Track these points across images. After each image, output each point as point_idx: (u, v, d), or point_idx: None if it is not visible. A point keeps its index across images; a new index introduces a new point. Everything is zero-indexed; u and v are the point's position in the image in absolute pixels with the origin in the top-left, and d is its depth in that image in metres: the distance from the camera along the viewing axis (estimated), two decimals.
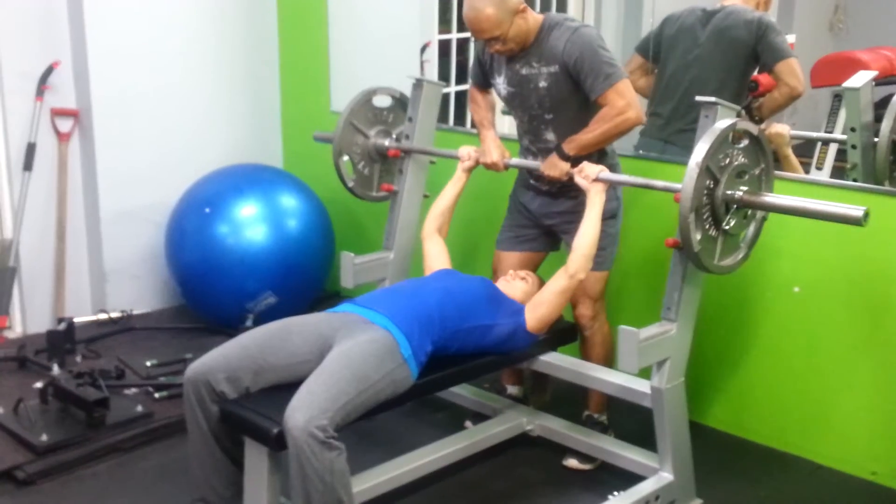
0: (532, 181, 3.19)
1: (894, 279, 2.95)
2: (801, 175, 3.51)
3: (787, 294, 3.17)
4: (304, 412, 2.27)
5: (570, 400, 3.35)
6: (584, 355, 3.21)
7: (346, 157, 3.53)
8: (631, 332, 2.57)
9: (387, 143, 3.56)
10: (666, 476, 2.84)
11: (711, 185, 2.48)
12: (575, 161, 2.92)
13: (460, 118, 5.06)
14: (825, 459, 3.18)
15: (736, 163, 2.51)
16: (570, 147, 2.92)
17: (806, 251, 3.12)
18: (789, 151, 3.55)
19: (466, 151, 3.23)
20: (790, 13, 6.35)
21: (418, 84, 3.50)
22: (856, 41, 6.49)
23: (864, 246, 2.99)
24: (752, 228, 2.67)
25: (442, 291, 2.80)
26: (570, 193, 3.08)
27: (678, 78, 3.59)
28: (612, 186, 2.97)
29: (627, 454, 3.00)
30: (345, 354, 2.48)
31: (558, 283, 2.85)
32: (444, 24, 4.90)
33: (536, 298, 2.89)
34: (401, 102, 3.62)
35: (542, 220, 3.21)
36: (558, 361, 3.05)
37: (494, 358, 2.87)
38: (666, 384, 2.72)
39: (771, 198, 2.55)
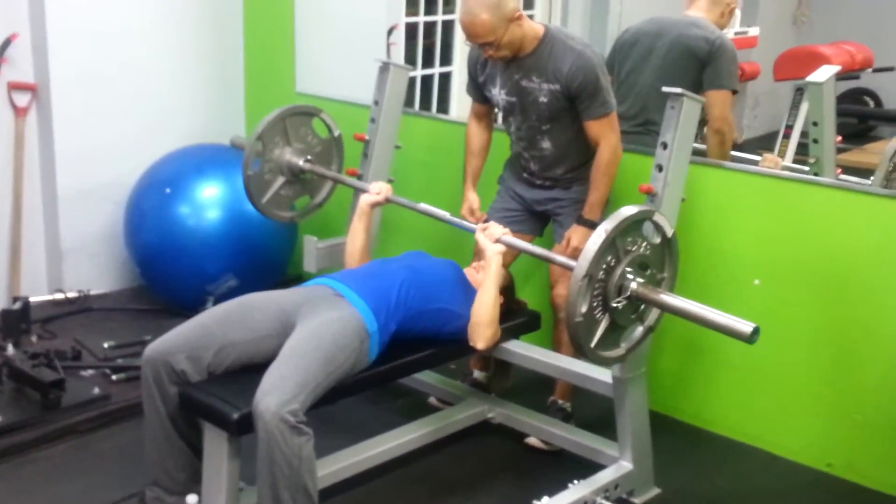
0: (526, 175, 3.21)
1: (852, 274, 2.99)
2: (763, 169, 3.54)
3: (747, 287, 3.20)
4: (276, 396, 2.26)
5: (533, 387, 3.37)
6: (556, 338, 3.23)
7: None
8: None
9: (301, 161, 3.45)
10: (626, 465, 2.87)
11: (612, 263, 2.33)
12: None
13: (426, 102, 5.05)
14: (782, 450, 3.23)
15: (642, 252, 2.38)
16: (593, 214, 3.01)
17: (766, 244, 3.16)
18: None
19: (379, 186, 3.14)
20: (755, 5, 6.40)
21: (385, 67, 3.48)
22: (819, 35, 6.57)
23: (823, 240, 3.03)
24: (638, 331, 2.52)
25: (407, 270, 2.80)
26: (562, 185, 3.15)
27: (630, 82, 3.50)
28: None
29: (588, 442, 3.03)
30: (314, 334, 2.47)
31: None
32: (412, 7, 4.87)
33: (472, 321, 2.78)
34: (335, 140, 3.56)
35: (534, 206, 3.24)
36: (521, 350, 3.05)
37: (457, 345, 2.86)
38: (627, 374, 2.75)
39: (665, 296, 2.38)
